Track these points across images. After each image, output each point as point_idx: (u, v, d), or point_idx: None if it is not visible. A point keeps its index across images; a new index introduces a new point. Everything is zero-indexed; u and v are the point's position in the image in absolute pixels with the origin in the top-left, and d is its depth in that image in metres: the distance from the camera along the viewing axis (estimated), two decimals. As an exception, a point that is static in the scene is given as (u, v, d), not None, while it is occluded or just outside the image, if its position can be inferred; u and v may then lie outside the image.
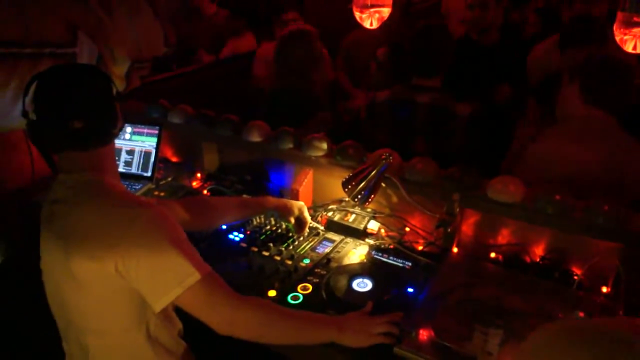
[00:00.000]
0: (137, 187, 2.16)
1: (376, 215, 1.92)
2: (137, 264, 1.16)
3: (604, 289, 1.56)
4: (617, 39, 1.92)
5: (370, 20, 2.14)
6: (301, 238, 1.82)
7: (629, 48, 1.90)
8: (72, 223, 1.21)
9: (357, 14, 2.17)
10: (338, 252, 1.76)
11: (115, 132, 1.29)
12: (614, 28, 1.95)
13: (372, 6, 2.12)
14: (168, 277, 1.18)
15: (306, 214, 1.82)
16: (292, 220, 1.80)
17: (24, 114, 1.23)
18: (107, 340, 1.30)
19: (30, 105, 1.22)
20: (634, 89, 1.86)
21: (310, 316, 1.37)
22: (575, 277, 1.60)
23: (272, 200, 1.80)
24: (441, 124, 2.21)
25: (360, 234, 1.85)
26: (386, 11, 2.20)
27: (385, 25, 2.34)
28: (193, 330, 1.39)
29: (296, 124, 2.16)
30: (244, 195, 2.07)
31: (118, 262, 1.16)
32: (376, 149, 1.85)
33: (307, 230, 1.84)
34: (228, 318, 1.23)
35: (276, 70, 2.75)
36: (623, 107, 1.86)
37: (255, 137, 2.13)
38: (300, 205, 1.81)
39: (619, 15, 1.95)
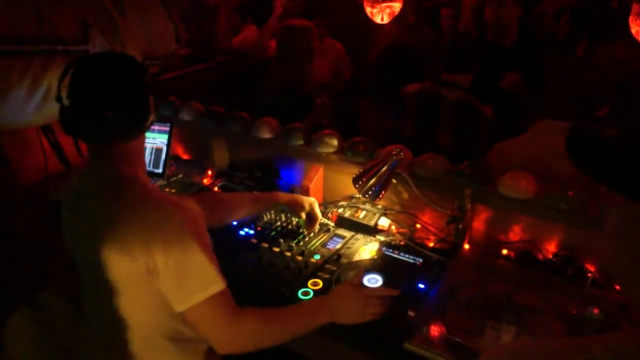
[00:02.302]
0: (148, 184, 2.17)
1: (387, 211, 1.92)
2: (166, 263, 1.15)
3: (618, 287, 1.54)
4: (633, 31, 1.88)
5: (381, 15, 2.13)
6: (312, 234, 1.82)
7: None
8: (103, 217, 1.19)
9: (368, 9, 2.16)
10: (348, 248, 1.75)
11: (146, 125, 1.25)
12: (630, 20, 1.92)
13: (383, 1, 2.11)
14: (194, 281, 1.17)
15: (317, 210, 1.82)
16: (303, 215, 1.80)
17: (58, 98, 1.21)
18: (132, 332, 1.28)
19: (65, 90, 1.20)
20: None
21: (304, 311, 1.34)
22: (589, 275, 1.58)
23: (283, 195, 1.80)
24: (467, 121, 2.22)
25: (371, 231, 1.84)
26: (397, 6, 2.19)
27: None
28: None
29: (298, 117, 2.18)
30: (255, 192, 2.07)
31: (149, 259, 1.15)
32: (399, 140, 1.88)
33: (317, 226, 1.84)
34: (231, 336, 1.22)
35: (277, 64, 2.79)
36: None
37: (266, 134, 2.13)
38: (312, 201, 1.81)
39: (635, 7, 1.92)
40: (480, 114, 2.21)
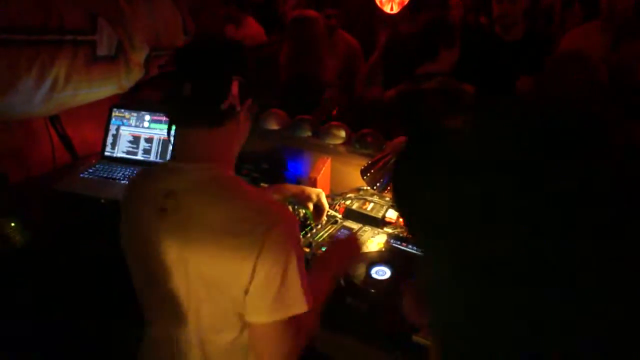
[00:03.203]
0: (155, 175, 2.17)
1: (394, 203, 1.90)
2: (261, 270, 1.06)
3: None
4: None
5: (390, 4, 2.11)
6: (319, 226, 1.81)
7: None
8: (205, 222, 1.10)
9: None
10: (356, 240, 1.74)
11: (225, 108, 1.12)
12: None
13: (393, -10, 2.09)
14: (279, 298, 1.08)
15: (324, 201, 1.81)
16: (311, 207, 1.79)
17: (178, 90, 1.13)
18: (224, 337, 1.19)
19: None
20: None
21: (321, 291, 1.27)
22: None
23: (290, 187, 1.79)
24: (453, 104, 2.17)
25: (379, 223, 1.83)
26: (406, -5, 2.16)
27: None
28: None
29: (309, 109, 2.16)
30: (262, 184, 2.06)
31: (259, 260, 1.05)
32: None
33: (325, 217, 1.83)
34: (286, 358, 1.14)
35: (289, 55, 2.77)
36: None
37: (273, 125, 2.12)
38: (319, 192, 1.79)
39: None
40: (464, 92, 2.16)
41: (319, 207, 1.80)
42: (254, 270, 1.07)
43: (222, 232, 1.08)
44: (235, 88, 1.12)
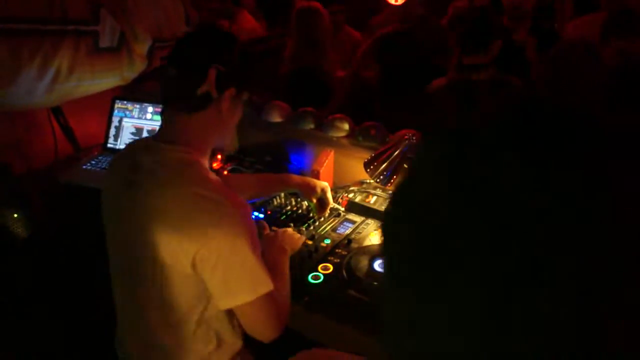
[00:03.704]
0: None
1: (398, 197, 1.89)
2: (216, 260, 1.12)
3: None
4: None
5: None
6: (322, 219, 1.81)
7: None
8: (159, 200, 1.14)
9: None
10: (359, 233, 1.74)
11: (200, 94, 1.17)
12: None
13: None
14: (243, 282, 1.15)
15: (329, 195, 1.80)
16: (315, 199, 1.78)
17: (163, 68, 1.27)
18: (166, 317, 1.24)
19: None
20: None
21: (283, 274, 1.37)
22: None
23: (295, 177, 1.78)
24: (503, 96, 2.17)
25: (382, 216, 1.82)
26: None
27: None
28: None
29: (316, 103, 2.14)
30: (264, 173, 2.06)
31: (199, 251, 1.11)
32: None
33: (328, 211, 1.83)
34: (276, 329, 1.21)
35: (295, 47, 2.75)
36: None
37: (276, 118, 2.11)
38: (324, 186, 1.79)
39: None
40: (515, 87, 2.15)
41: (322, 201, 1.80)
42: (197, 255, 1.11)
43: (175, 217, 1.12)
44: (212, 76, 1.17)
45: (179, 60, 1.21)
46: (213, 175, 1.23)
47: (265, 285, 1.17)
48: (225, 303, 1.18)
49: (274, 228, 1.65)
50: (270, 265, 1.24)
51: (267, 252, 1.35)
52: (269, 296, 1.17)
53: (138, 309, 1.29)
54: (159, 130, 1.26)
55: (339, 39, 3.43)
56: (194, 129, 1.22)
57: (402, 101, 2.27)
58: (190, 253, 1.11)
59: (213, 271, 1.13)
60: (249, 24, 3.80)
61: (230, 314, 1.28)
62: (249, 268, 1.15)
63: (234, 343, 1.33)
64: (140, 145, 1.27)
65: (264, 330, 1.21)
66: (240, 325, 1.29)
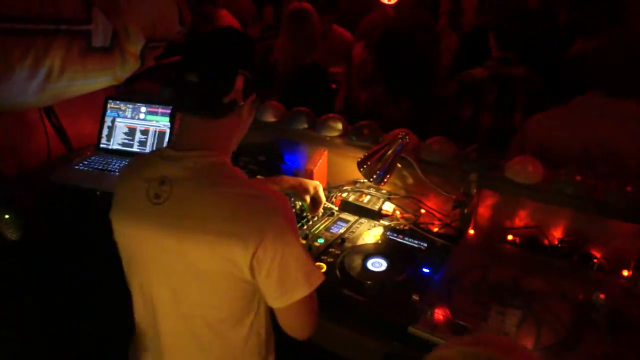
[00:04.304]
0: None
1: (391, 196, 1.90)
2: (272, 257, 1.08)
3: (625, 273, 1.52)
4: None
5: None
6: (315, 218, 1.81)
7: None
8: (198, 207, 1.10)
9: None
10: (352, 232, 1.74)
11: (227, 101, 1.13)
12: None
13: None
14: (299, 277, 1.12)
15: (321, 193, 1.80)
16: (308, 199, 1.78)
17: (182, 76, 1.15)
18: (215, 329, 1.20)
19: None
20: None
21: None
22: (595, 260, 1.56)
23: (288, 179, 1.78)
24: (534, 98, 2.21)
25: (375, 215, 1.83)
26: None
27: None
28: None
29: (310, 100, 2.15)
30: (258, 176, 2.06)
31: (259, 247, 1.07)
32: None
33: (321, 210, 1.83)
34: (315, 326, 1.20)
35: (289, 47, 2.77)
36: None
37: (270, 117, 2.11)
38: (316, 184, 1.79)
39: None
40: (542, 87, 2.23)
41: (315, 200, 1.80)
42: (254, 260, 1.08)
43: (219, 219, 1.08)
44: (239, 83, 1.14)
45: (200, 66, 1.12)
46: (245, 174, 1.21)
47: (318, 277, 1.15)
48: (283, 301, 1.13)
49: None
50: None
51: None
52: (315, 291, 1.15)
53: (173, 321, 1.22)
54: (177, 138, 1.19)
55: (329, 38, 3.46)
56: (217, 135, 1.18)
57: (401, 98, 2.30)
58: (248, 256, 1.07)
59: (270, 270, 1.09)
60: (226, 23, 3.80)
61: (270, 323, 1.26)
62: (302, 261, 1.13)
63: (271, 354, 1.32)
64: (159, 157, 1.19)
65: (309, 324, 1.19)
66: (274, 339, 1.29)
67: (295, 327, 1.19)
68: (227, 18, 3.80)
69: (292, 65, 2.78)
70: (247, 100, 1.18)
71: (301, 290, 1.12)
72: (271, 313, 1.23)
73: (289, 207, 1.16)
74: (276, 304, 1.15)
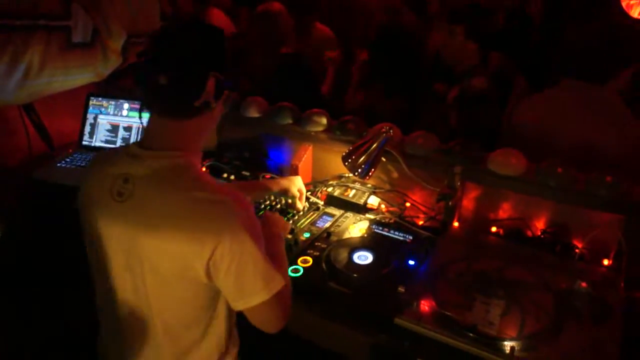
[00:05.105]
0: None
1: (376, 190, 1.91)
2: (229, 263, 1.08)
3: (606, 262, 1.55)
4: (624, 4, 1.87)
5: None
6: (301, 213, 1.81)
7: (635, 13, 1.86)
8: (159, 208, 1.09)
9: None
10: (338, 226, 1.75)
11: (198, 105, 1.11)
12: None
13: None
14: (257, 283, 1.11)
15: (301, 185, 1.81)
16: (297, 193, 1.79)
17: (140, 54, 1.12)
18: (170, 328, 1.21)
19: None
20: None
21: (284, 261, 1.34)
22: (577, 251, 1.59)
23: (272, 185, 1.77)
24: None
25: (361, 209, 1.83)
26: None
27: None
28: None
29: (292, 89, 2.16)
30: (243, 172, 2.05)
31: (216, 251, 1.06)
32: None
33: (304, 201, 1.83)
34: (286, 321, 1.20)
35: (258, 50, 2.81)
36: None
37: (254, 113, 2.10)
38: (296, 179, 1.81)
39: None
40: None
41: (299, 193, 1.81)
42: (210, 264, 1.08)
43: (178, 221, 1.08)
44: (211, 85, 1.11)
45: (170, 68, 1.08)
46: (210, 177, 1.20)
47: (278, 282, 1.14)
48: (241, 304, 1.14)
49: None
50: (271, 254, 1.20)
51: (265, 241, 1.31)
52: (281, 291, 1.15)
53: (134, 320, 1.22)
54: (145, 136, 1.18)
55: (309, 33, 3.50)
56: (186, 135, 1.16)
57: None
58: (204, 259, 1.07)
59: (226, 275, 1.09)
60: (219, 23, 3.79)
61: (231, 322, 1.27)
62: (260, 268, 1.12)
63: (233, 351, 1.32)
64: (125, 154, 1.18)
65: (277, 323, 1.19)
66: (237, 333, 1.30)
67: (262, 324, 1.19)
68: (218, 17, 3.79)
69: (265, 58, 2.81)
70: (219, 101, 1.16)
71: (260, 295, 1.12)
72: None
73: (251, 212, 1.15)
74: (237, 306, 1.15)
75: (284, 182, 1.79)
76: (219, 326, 1.25)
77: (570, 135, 1.78)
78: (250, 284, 1.11)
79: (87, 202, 1.21)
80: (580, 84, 1.82)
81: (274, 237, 1.37)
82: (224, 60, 1.15)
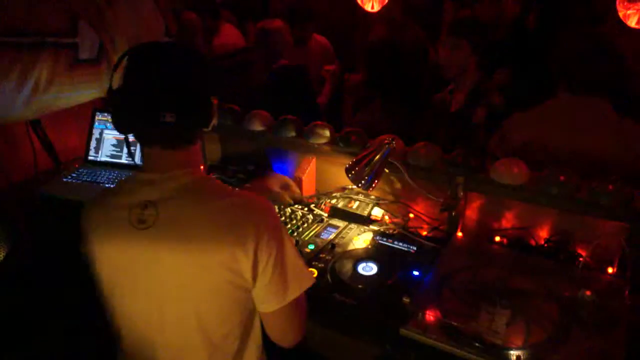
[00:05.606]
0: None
1: (380, 202, 1.92)
2: (269, 256, 1.09)
3: (610, 270, 1.55)
4: (620, 14, 1.89)
5: (371, 3, 2.13)
6: (305, 225, 1.82)
7: (632, 23, 1.88)
8: (192, 222, 1.09)
9: (358, -4, 2.16)
10: (342, 237, 1.76)
11: (208, 129, 1.16)
12: (617, 3, 1.93)
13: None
14: (290, 276, 1.12)
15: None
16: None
17: (110, 91, 1.11)
18: (220, 351, 1.20)
19: (120, 81, 1.08)
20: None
21: None
22: (581, 259, 1.59)
23: (272, 185, 1.84)
24: None
25: (365, 220, 1.84)
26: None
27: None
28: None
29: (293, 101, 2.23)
30: (246, 185, 2.07)
31: (258, 247, 1.07)
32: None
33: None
34: (302, 332, 1.20)
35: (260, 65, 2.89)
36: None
37: (257, 126, 2.12)
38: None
39: None
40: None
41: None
42: (255, 263, 1.08)
43: (215, 233, 1.08)
44: (215, 112, 1.15)
45: (178, 105, 1.07)
46: (227, 185, 1.22)
47: (309, 278, 1.15)
48: (276, 303, 1.12)
49: None
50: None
51: None
52: (305, 294, 1.16)
53: (165, 346, 1.20)
54: (148, 163, 1.16)
55: (309, 47, 3.57)
56: (193, 155, 1.18)
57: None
58: (250, 259, 1.07)
59: (265, 270, 1.09)
60: (232, 37, 3.84)
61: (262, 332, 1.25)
62: (294, 263, 1.14)
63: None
64: (136, 182, 1.16)
65: (295, 332, 1.19)
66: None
67: (285, 331, 1.19)
68: (230, 32, 3.85)
69: (265, 71, 2.89)
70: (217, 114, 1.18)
71: (293, 291, 1.13)
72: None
73: (273, 208, 1.19)
74: (269, 307, 1.14)
75: (262, 186, 1.81)
76: (256, 334, 1.24)
77: (570, 148, 1.79)
78: (284, 280, 1.12)
79: (101, 240, 1.17)
80: (577, 97, 1.83)
81: None
82: (215, 81, 1.16)
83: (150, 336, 1.20)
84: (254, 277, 1.10)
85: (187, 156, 1.16)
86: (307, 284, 1.15)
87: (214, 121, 1.17)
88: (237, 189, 1.23)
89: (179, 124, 1.07)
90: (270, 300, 1.14)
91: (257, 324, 1.24)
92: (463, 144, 2.12)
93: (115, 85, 1.11)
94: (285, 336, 1.20)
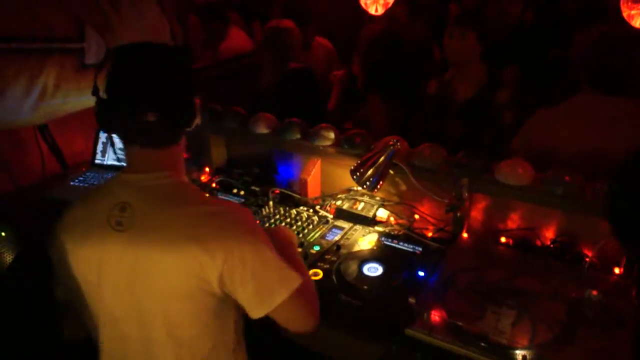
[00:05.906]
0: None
1: (385, 203, 1.92)
2: (243, 269, 1.08)
3: (616, 270, 1.55)
4: (625, 14, 1.89)
5: (375, 6, 2.14)
6: (310, 226, 1.83)
7: (636, 23, 1.87)
8: (164, 226, 1.10)
9: (362, 0, 2.16)
10: (347, 239, 1.76)
11: (190, 129, 1.17)
12: (621, 3, 1.92)
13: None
14: (274, 282, 1.12)
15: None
16: None
17: (95, 91, 1.12)
18: (188, 350, 1.20)
19: (104, 81, 1.10)
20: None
21: (301, 263, 1.35)
22: (587, 260, 1.58)
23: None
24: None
25: (370, 222, 1.85)
26: (392, -3, 2.20)
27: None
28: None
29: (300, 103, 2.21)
30: (253, 187, 2.08)
31: (224, 266, 1.07)
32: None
33: None
34: (316, 318, 1.20)
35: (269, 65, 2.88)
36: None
37: (263, 129, 2.13)
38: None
39: None
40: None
41: None
42: (225, 273, 1.08)
43: (185, 238, 1.08)
44: (199, 111, 1.16)
45: (161, 105, 1.08)
46: (203, 193, 1.24)
47: (294, 279, 1.14)
48: (263, 309, 1.13)
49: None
50: (287, 259, 1.20)
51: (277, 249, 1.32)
52: (301, 288, 1.15)
53: (140, 344, 1.21)
54: (130, 163, 1.17)
55: (312, 49, 3.56)
56: (174, 156, 1.19)
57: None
58: (216, 271, 1.08)
59: (243, 282, 1.10)
60: (239, 40, 3.86)
61: (238, 332, 1.26)
62: (275, 267, 1.13)
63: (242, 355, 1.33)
64: (115, 184, 1.18)
65: (306, 322, 1.20)
66: (244, 344, 1.30)
67: (293, 325, 1.20)
68: (238, 35, 3.86)
69: (274, 73, 2.86)
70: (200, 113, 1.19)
71: (279, 295, 1.12)
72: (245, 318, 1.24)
73: (252, 217, 1.19)
74: (258, 313, 1.14)
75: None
76: (228, 337, 1.25)
77: (594, 147, 1.77)
78: (267, 285, 1.12)
79: (78, 240, 1.18)
80: (598, 96, 1.82)
81: (285, 244, 1.37)
82: (197, 78, 1.18)
83: (125, 330, 1.22)
84: (223, 286, 1.10)
85: (168, 157, 1.17)
86: (294, 284, 1.14)
87: (197, 121, 1.17)
88: (216, 197, 1.23)
89: (161, 123, 1.09)
90: (258, 307, 1.13)
91: (230, 329, 1.24)
92: (484, 137, 2.13)
93: (100, 85, 1.13)
94: (294, 325, 1.20)
